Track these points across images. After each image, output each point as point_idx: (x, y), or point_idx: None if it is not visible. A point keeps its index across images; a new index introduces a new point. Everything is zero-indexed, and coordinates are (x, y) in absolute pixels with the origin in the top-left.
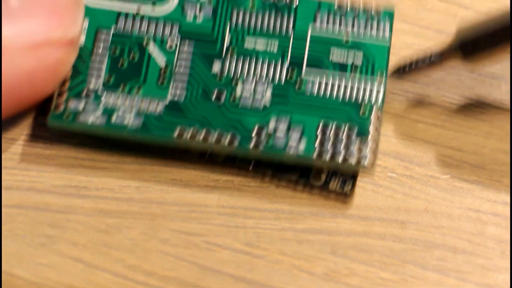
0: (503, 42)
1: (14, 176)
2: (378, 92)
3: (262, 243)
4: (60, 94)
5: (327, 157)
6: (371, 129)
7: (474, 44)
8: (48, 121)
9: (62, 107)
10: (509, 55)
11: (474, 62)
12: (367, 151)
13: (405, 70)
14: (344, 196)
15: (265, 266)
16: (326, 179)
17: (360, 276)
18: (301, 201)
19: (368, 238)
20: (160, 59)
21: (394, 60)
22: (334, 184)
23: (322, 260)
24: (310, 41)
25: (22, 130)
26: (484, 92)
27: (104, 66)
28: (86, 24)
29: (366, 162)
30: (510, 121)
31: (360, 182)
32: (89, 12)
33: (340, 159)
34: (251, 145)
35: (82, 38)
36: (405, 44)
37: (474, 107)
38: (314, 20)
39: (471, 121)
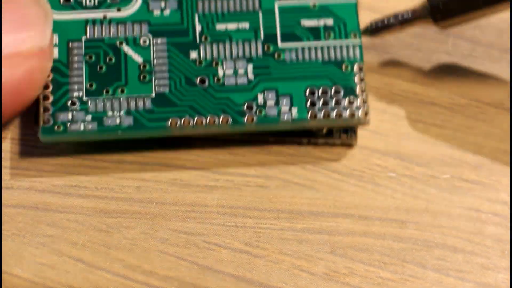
0: (474, 7)
1: (14, 176)
2: (354, 46)
3: (262, 242)
4: (46, 109)
5: (321, 116)
6: (357, 81)
7: (445, 6)
8: (40, 136)
9: (51, 121)
10: (479, 20)
11: (445, 25)
12: (358, 103)
13: (376, 28)
14: (348, 147)
15: (265, 266)
16: (328, 133)
17: (360, 276)
18: (301, 201)
19: (367, 237)
20: (136, 56)
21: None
22: (337, 135)
23: (321, 260)
24: (279, 12)
25: (22, 130)
26: (484, 92)
27: (84, 75)
28: (56, 39)
29: (359, 113)
30: (510, 121)
31: (360, 181)
32: (57, 25)
33: (334, 115)
34: (245, 119)
35: (56, 52)
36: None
37: (474, 107)
38: None
39: (471, 121)
